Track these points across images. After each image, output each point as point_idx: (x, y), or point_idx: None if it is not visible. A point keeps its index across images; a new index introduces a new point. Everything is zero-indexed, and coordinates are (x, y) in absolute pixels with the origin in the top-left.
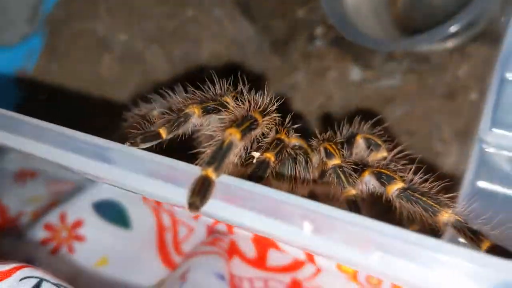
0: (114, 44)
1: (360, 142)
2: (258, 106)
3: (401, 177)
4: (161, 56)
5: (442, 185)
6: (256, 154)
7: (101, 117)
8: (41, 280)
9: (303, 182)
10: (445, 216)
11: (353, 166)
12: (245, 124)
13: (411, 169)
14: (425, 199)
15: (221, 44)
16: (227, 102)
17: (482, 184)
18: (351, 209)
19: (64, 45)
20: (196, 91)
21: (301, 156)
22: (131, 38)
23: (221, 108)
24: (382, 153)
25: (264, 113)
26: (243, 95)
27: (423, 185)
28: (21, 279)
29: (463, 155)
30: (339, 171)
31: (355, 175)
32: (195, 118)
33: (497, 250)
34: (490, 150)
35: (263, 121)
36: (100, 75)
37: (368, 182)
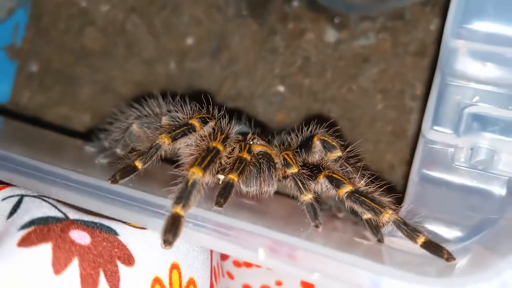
0: (97, 14)
1: (317, 143)
2: (221, 132)
3: (349, 180)
4: (142, 25)
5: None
6: (221, 177)
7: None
8: (22, 196)
9: (269, 184)
10: (386, 216)
11: (309, 173)
12: (207, 159)
13: (360, 168)
14: (369, 201)
15: (200, 9)
16: (194, 125)
17: (427, 171)
18: (310, 212)
19: (49, 17)
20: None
21: (264, 164)
22: (112, 9)
23: (188, 133)
24: (337, 153)
25: (226, 139)
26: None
27: (369, 187)
28: (3, 199)
29: None
30: (296, 179)
31: (310, 181)
32: (166, 146)
33: (430, 245)
34: (433, 145)
35: (224, 148)
36: (86, 47)
37: (323, 183)
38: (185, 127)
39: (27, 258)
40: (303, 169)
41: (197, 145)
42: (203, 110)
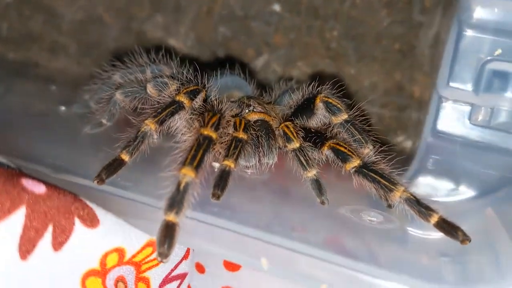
0: None
1: (319, 105)
2: (212, 112)
3: (356, 151)
4: None
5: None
6: (216, 165)
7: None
8: None
9: (269, 157)
10: (398, 194)
11: (311, 142)
12: (198, 155)
13: (367, 132)
14: (379, 178)
15: None
16: (182, 102)
17: (441, 127)
18: (315, 188)
19: None
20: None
21: (262, 138)
22: None
23: (176, 112)
24: (342, 116)
25: (219, 120)
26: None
27: (377, 157)
28: None
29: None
30: (298, 155)
31: (313, 151)
32: (153, 132)
33: (444, 224)
34: (447, 103)
35: (217, 134)
36: None
37: (328, 155)
38: (172, 107)
39: None
40: (305, 138)
41: (188, 123)
42: (189, 72)
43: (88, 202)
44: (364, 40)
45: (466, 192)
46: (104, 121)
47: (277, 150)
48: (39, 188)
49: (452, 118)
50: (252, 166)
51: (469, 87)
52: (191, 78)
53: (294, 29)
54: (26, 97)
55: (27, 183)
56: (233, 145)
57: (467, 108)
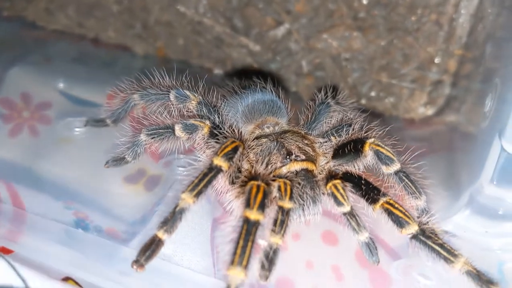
0: None
1: (369, 152)
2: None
3: (413, 219)
4: None
5: None
6: (262, 242)
7: None
8: None
9: (314, 209)
10: (458, 266)
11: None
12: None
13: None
14: (438, 248)
15: None
16: (221, 167)
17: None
18: (367, 251)
19: None
20: None
21: (308, 195)
22: None
23: (215, 177)
24: (394, 167)
25: (263, 198)
26: None
27: (434, 220)
28: None
29: None
30: (350, 219)
31: (363, 219)
32: (192, 206)
33: None
34: None
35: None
36: None
37: (380, 213)
38: (210, 174)
39: None
40: (354, 190)
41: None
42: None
43: None
44: (396, 7)
45: None
46: (128, 158)
47: (321, 200)
48: None
49: None
50: (295, 219)
51: None
52: (223, 124)
53: None
54: None
55: None
56: (279, 218)
57: None
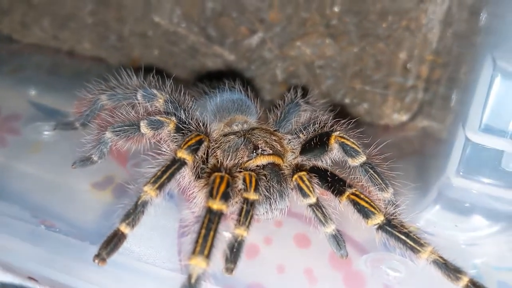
0: None
1: (334, 145)
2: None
3: (379, 209)
4: None
5: None
6: (227, 234)
7: None
8: None
9: (280, 203)
10: (425, 255)
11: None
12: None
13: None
14: (405, 238)
15: None
16: (184, 159)
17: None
18: (334, 243)
19: None
20: None
21: (274, 188)
22: None
23: (178, 170)
24: (360, 159)
25: (227, 187)
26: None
27: (400, 210)
28: None
29: None
30: (316, 211)
31: (329, 210)
32: (155, 199)
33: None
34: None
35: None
36: None
37: (346, 205)
38: (173, 167)
39: None
40: (320, 182)
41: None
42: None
43: None
44: (367, 15)
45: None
46: (95, 158)
47: (289, 194)
48: None
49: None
50: (263, 214)
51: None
52: (190, 119)
53: (290, 3)
54: None
55: None
56: (244, 209)
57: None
